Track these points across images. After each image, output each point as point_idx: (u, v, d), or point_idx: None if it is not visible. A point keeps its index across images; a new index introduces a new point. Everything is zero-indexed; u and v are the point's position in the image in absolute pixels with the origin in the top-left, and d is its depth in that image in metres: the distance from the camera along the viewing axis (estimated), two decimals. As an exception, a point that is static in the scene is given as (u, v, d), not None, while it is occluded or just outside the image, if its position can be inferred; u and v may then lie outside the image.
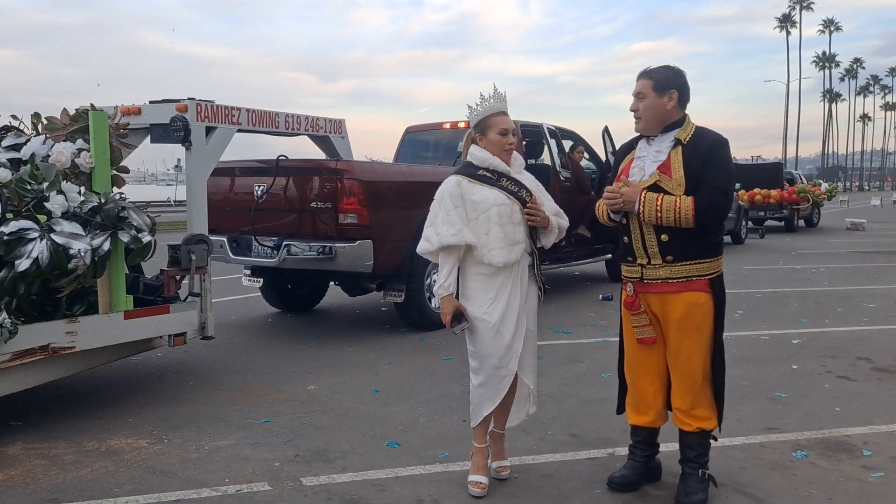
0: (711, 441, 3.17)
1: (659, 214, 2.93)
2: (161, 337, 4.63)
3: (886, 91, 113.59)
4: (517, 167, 3.29)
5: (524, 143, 8.00)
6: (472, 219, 3.15)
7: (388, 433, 3.96)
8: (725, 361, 3.13)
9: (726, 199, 2.96)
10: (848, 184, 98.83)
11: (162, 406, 4.46)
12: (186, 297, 4.79)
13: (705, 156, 2.95)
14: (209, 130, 5.10)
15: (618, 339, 3.36)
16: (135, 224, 4.15)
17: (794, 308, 7.85)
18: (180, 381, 5.04)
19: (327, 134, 6.37)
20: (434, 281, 6.46)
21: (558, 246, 6.63)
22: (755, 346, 5.99)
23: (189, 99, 5.00)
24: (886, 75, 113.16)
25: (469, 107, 3.27)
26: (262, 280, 7.17)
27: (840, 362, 5.48)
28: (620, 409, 3.39)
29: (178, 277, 4.74)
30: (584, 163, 9.41)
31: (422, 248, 3.23)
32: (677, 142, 3.02)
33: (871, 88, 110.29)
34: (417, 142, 8.86)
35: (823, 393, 4.69)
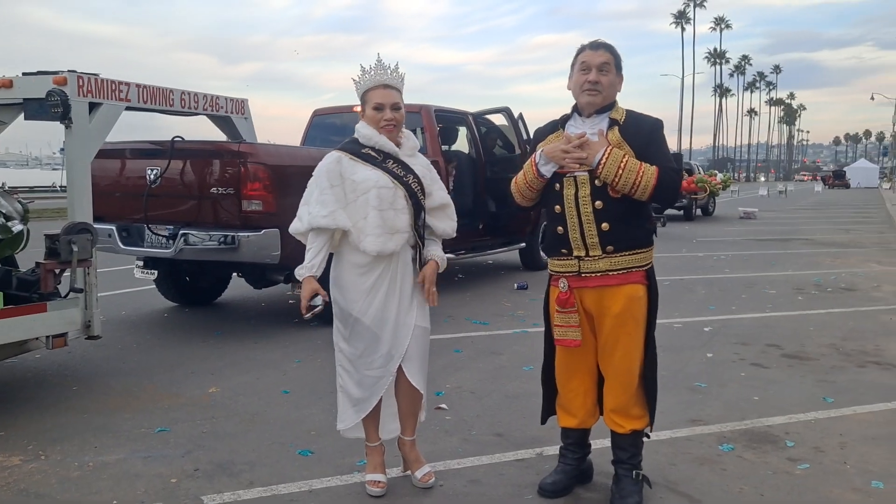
0: (644, 439, 3.03)
1: (620, 173, 2.70)
2: (38, 338, 4.12)
3: (771, 87, 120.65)
4: (409, 149, 3.02)
5: (438, 128, 7.78)
6: (351, 200, 2.88)
7: (300, 440, 3.64)
8: (657, 356, 3.00)
9: (680, 180, 2.84)
10: (736, 175, 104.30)
11: (39, 416, 3.96)
12: (68, 294, 4.28)
13: (649, 137, 2.81)
14: (93, 107, 4.58)
15: (538, 331, 3.16)
16: (3, 211, 3.63)
17: (702, 295, 7.98)
18: (62, 386, 4.52)
19: (228, 114, 5.90)
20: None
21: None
22: (669, 334, 5.97)
23: (69, 71, 4.47)
24: (771, 72, 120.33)
25: (353, 80, 2.99)
26: (156, 272, 6.61)
27: (751, 349, 5.54)
28: (545, 417, 3.20)
29: (57, 271, 4.23)
30: (497, 150, 9.28)
31: (293, 227, 2.97)
32: (613, 122, 2.85)
33: (758, 84, 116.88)
34: (326, 125, 8.46)
35: (740, 381, 4.69)
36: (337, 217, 2.84)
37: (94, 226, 4.47)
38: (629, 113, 2.89)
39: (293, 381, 4.64)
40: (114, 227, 5.91)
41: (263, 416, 4.00)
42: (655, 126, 2.85)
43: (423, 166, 3.04)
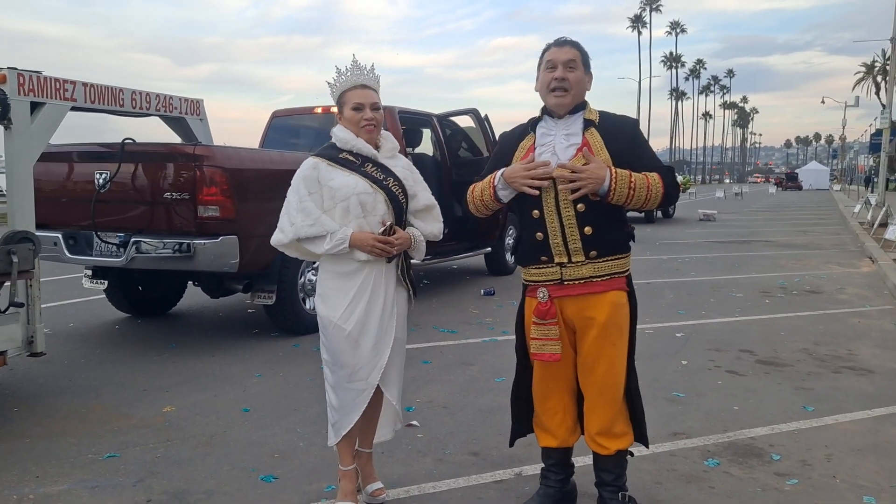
0: (628, 457, 2.86)
1: (632, 193, 2.56)
2: (-27, 358, 3.79)
3: (725, 91, 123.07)
4: (388, 150, 2.88)
5: (402, 130, 7.57)
6: (329, 207, 2.74)
7: (262, 464, 3.39)
8: (654, 379, 2.83)
9: (675, 177, 2.70)
10: (692, 177, 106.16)
11: (-25, 443, 3.63)
12: (7, 308, 3.96)
13: (631, 138, 2.66)
14: (35, 107, 4.29)
15: (508, 339, 2.98)
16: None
17: (670, 299, 7.91)
18: (1, 409, 4.18)
19: (183, 115, 5.62)
20: (309, 280, 5.89)
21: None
22: (642, 340, 5.74)
23: (9, 68, 4.17)
24: (725, 76, 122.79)
25: (328, 83, 2.85)
26: (106, 282, 6.27)
27: (725, 356, 5.45)
28: (514, 439, 3.02)
29: (-5, 284, 3.90)
30: (462, 153, 9.10)
31: (275, 239, 2.82)
32: (589, 122, 2.67)
33: (712, 88, 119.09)
34: (286, 127, 8.18)
35: (718, 390, 4.58)
36: (323, 223, 2.71)
37: (38, 233, 4.17)
38: (603, 114, 2.73)
39: (254, 398, 4.37)
40: (60, 235, 5.56)
41: (222, 437, 3.74)
42: (636, 126, 2.73)
43: (404, 168, 2.90)
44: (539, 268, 2.73)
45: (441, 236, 2.99)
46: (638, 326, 2.84)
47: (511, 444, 3.04)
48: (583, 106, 2.71)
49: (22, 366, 4.90)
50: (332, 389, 2.83)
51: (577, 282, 2.66)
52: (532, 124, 2.78)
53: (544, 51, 2.73)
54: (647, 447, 2.92)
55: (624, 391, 2.75)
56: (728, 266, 10.81)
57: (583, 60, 2.68)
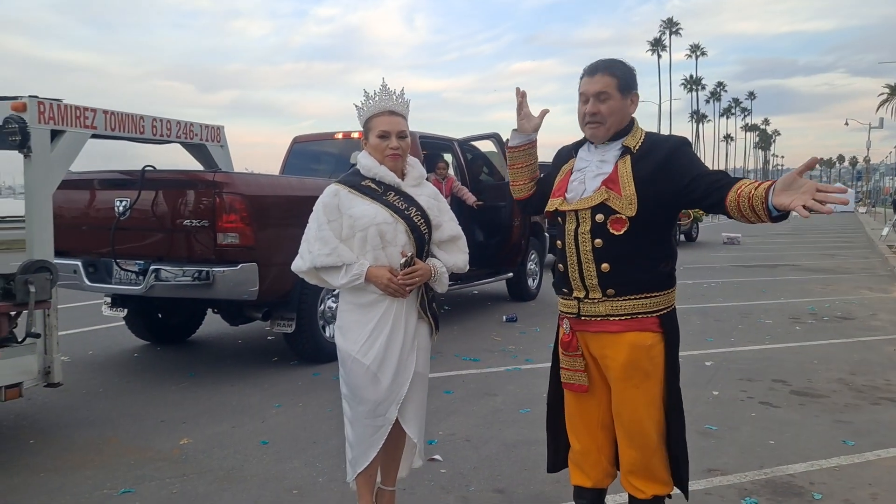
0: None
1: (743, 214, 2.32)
2: (-11, 389, 3.73)
3: (746, 113, 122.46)
4: (414, 179, 2.78)
5: (423, 155, 7.51)
6: (348, 236, 2.65)
7: (280, 500, 3.27)
8: (684, 411, 2.67)
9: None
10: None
11: (-11, 477, 3.56)
12: (24, 339, 3.91)
13: (667, 157, 2.45)
14: (55, 135, 4.27)
15: (532, 368, 2.82)
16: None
17: (697, 326, 7.72)
18: (17, 440, 4.11)
19: (203, 142, 5.59)
20: (329, 307, 5.81)
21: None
22: None
23: (30, 97, 4.16)
24: (746, 98, 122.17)
25: (356, 106, 2.76)
26: (125, 310, 6.23)
27: (758, 386, 5.26)
28: (551, 466, 2.86)
29: (12, 314, 3.85)
30: (483, 178, 9.03)
31: (295, 265, 2.73)
32: (626, 150, 2.54)
33: (733, 110, 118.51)
34: (307, 153, 8.15)
35: (752, 423, 4.40)
36: (340, 253, 2.61)
37: (58, 261, 4.13)
38: (647, 136, 2.59)
39: (273, 430, 4.27)
40: (79, 263, 5.53)
41: (240, 472, 3.63)
42: (679, 143, 2.52)
43: (429, 196, 2.79)
44: (563, 299, 2.64)
45: (466, 268, 2.87)
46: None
47: (551, 470, 2.85)
48: (626, 131, 2.58)
49: (40, 396, 4.84)
50: (350, 424, 2.72)
51: (593, 318, 2.53)
52: (575, 147, 2.70)
53: (580, 78, 2.59)
54: (687, 498, 2.74)
55: (665, 437, 2.60)
56: (755, 291, 10.58)
57: (619, 86, 2.50)
